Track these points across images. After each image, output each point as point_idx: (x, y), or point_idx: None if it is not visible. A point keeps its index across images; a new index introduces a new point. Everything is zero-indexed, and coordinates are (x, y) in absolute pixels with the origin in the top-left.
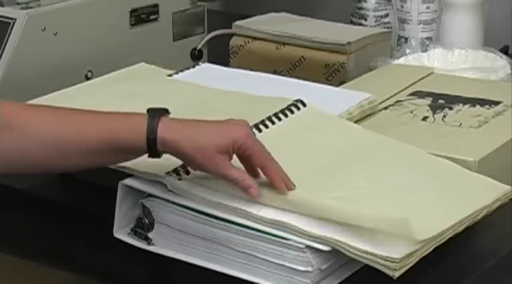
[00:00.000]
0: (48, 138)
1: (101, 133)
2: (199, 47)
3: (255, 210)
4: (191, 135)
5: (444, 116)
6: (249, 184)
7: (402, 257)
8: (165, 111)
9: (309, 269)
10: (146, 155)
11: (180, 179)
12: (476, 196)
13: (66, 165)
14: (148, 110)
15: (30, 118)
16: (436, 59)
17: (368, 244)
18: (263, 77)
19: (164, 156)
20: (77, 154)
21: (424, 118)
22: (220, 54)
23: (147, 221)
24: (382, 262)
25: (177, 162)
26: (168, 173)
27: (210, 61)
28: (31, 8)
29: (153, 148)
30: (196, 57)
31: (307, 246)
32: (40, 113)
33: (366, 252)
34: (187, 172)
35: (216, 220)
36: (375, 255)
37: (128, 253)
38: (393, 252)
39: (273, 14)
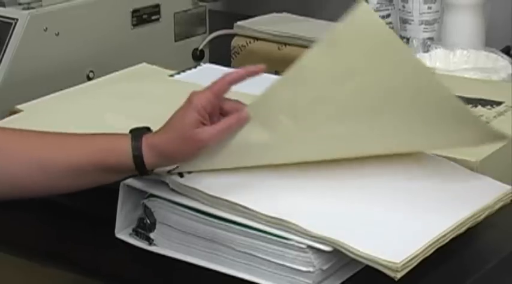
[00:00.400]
0: (34, 161)
1: (89, 155)
2: (200, 47)
3: (257, 207)
4: (166, 131)
5: None
6: (235, 118)
7: (404, 259)
8: (146, 130)
9: (311, 269)
10: None
11: (181, 177)
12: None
13: (56, 187)
14: (131, 130)
15: (16, 142)
16: (437, 59)
17: (370, 245)
18: (264, 77)
19: None
20: (66, 176)
21: None
22: (221, 54)
23: (148, 221)
24: (384, 263)
25: None
26: (169, 172)
27: (212, 61)
28: (33, 8)
29: (141, 166)
30: (197, 57)
31: (309, 246)
32: (26, 137)
33: (368, 254)
34: (189, 171)
35: (217, 220)
36: (377, 257)
37: (130, 253)
38: (395, 254)
39: (274, 15)
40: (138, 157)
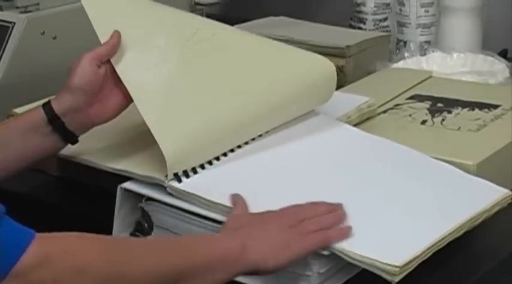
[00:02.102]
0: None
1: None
2: None
3: (253, 211)
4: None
5: (443, 120)
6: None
7: (401, 263)
8: None
9: (308, 273)
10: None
11: (180, 182)
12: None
13: None
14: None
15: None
16: (434, 63)
17: (368, 249)
18: None
19: (162, 159)
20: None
21: (423, 122)
22: None
23: (146, 225)
24: (382, 267)
25: None
26: (167, 176)
27: None
28: (30, 12)
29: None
30: None
31: None
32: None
33: (365, 257)
34: (187, 175)
35: (214, 224)
36: (374, 260)
37: None
38: (393, 258)
39: (272, 18)
40: (46, 106)
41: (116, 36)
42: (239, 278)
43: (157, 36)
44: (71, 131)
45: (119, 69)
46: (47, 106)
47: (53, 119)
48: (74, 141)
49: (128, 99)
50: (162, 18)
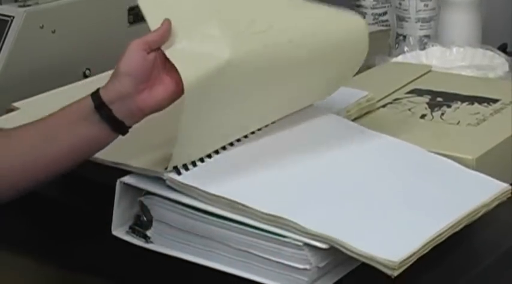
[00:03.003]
0: (36, 133)
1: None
2: None
3: (253, 204)
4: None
5: (442, 114)
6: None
7: (401, 257)
8: None
9: (307, 266)
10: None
11: (179, 174)
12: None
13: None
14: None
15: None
16: (434, 57)
17: (367, 243)
18: None
19: (161, 152)
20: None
21: (422, 116)
22: None
23: (145, 219)
24: (381, 261)
25: None
26: (166, 169)
27: None
28: (29, 5)
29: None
30: None
31: (305, 244)
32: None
33: (365, 252)
34: (186, 168)
35: (213, 218)
36: (374, 255)
37: (126, 250)
38: (392, 252)
39: None
40: (94, 93)
41: (167, 23)
42: (239, 273)
43: (211, 26)
44: (119, 120)
45: (172, 57)
46: (95, 94)
47: (100, 106)
48: (124, 131)
49: (180, 89)
50: (218, 8)
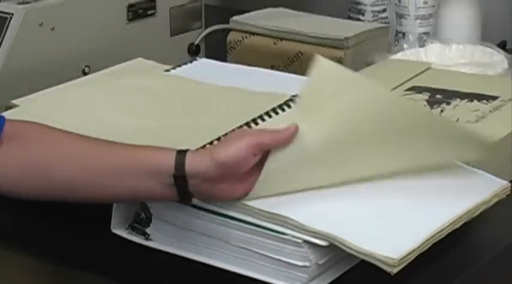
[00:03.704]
0: (79, 157)
1: (134, 155)
2: (196, 42)
3: (253, 202)
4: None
5: (442, 111)
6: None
7: (400, 255)
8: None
9: (307, 264)
10: None
11: None
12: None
13: (100, 188)
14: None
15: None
16: (433, 54)
17: (367, 240)
18: (261, 72)
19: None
20: (109, 175)
21: None
22: (217, 49)
23: (144, 216)
24: (381, 258)
25: None
26: None
27: (208, 56)
28: (28, 3)
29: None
30: (193, 52)
31: (305, 241)
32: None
33: (364, 249)
34: None
35: (212, 215)
36: (373, 252)
37: (126, 248)
38: (392, 249)
39: (270, 9)
40: (180, 157)
41: (293, 130)
42: (238, 270)
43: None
44: (190, 193)
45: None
46: (180, 159)
47: (180, 177)
48: (188, 200)
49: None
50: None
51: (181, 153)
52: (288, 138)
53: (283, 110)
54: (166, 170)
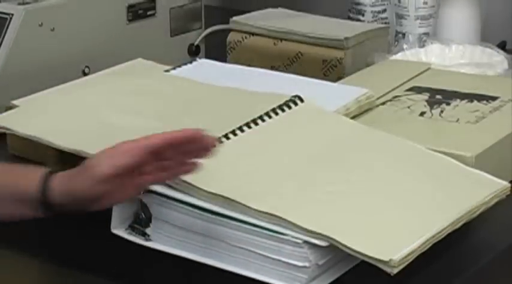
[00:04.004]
0: None
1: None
2: (196, 42)
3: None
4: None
5: (441, 111)
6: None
7: (400, 255)
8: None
9: (306, 264)
10: None
11: None
12: (474, 192)
13: None
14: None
15: None
16: (433, 55)
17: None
18: (260, 73)
19: None
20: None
21: (422, 114)
22: (217, 49)
23: (144, 216)
24: (381, 258)
25: None
26: None
27: (208, 57)
28: (28, 3)
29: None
30: (193, 52)
31: (305, 241)
32: None
33: (364, 249)
34: None
35: (212, 216)
36: (373, 252)
37: (126, 248)
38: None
39: (270, 10)
40: (45, 181)
41: (189, 132)
42: (238, 271)
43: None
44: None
45: None
46: (46, 186)
47: (47, 206)
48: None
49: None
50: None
51: (48, 179)
52: (180, 137)
53: (283, 110)
54: (33, 195)
